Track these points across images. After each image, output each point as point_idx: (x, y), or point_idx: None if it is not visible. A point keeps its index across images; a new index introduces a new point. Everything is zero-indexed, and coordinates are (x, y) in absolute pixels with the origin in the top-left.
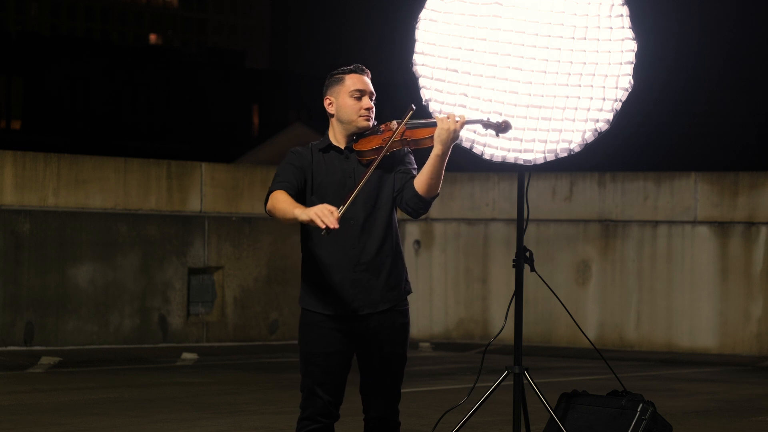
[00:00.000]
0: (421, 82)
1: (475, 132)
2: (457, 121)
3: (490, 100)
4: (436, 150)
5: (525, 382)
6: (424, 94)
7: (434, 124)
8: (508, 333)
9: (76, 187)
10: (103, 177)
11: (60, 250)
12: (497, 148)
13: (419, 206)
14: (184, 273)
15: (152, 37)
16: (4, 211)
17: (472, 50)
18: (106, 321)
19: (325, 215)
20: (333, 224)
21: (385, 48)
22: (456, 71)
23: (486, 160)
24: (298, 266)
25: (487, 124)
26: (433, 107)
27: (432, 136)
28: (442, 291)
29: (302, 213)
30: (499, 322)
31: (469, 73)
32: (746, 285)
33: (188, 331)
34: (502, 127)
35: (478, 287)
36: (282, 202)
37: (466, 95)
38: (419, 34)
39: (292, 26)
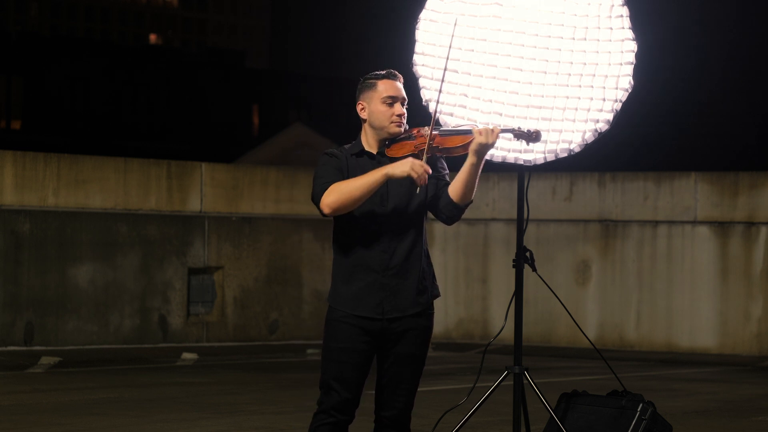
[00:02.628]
0: (421, 82)
1: None
2: (493, 133)
3: (490, 101)
4: (472, 160)
5: (525, 382)
6: (424, 94)
7: (466, 132)
8: (508, 333)
9: (76, 187)
10: (103, 177)
11: (60, 250)
12: (497, 148)
13: (454, 214)
14: (184, 273)
15: (152, 37)
16: (4, 211)
17: (472, 50)
18: (106, 321)
19: (423, 173)
20: (425, 181)
21: (384, 48)
22: (456, 71)
23: (486, 159)
24: (298, 266)
25: (518, 134)
26: (433, 107)
27: (463, 145)
28: (442, 291)
29: (394, 169)
30: (499, 322)
31: (469, 73)
32: (746, 285)
33: (188, 331)
34: (533, 137)
35: (478, 287)
36: (352, 180)
37: (466, 95)
38: (419, 34)
39: (292, 26)
